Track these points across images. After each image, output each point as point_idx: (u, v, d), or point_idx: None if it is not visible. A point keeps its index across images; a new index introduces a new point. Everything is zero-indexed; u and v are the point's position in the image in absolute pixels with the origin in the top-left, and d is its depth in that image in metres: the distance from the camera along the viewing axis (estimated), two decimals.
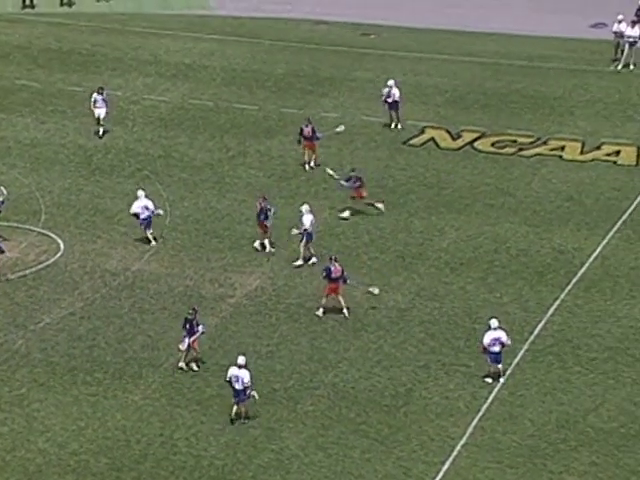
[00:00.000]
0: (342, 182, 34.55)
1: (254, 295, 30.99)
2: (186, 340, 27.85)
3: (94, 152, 38.48)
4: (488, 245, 33.45)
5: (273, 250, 32.45)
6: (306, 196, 35.90)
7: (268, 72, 44.45)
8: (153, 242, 32.80)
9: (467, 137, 39.56)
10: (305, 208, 32.06)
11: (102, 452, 25.59)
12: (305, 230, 31.80)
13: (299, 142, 37.22)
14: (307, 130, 36.98)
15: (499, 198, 35.96)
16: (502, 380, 27.46)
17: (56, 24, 48.67)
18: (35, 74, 44.09)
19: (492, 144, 39.05)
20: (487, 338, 27.38)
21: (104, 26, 48.53)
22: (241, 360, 26.26)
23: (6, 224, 33.46)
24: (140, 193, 33.05)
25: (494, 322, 27.50)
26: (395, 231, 34.14)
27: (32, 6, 49.73)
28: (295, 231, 32.05)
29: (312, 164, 37.30)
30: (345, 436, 26.12)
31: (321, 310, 30.03)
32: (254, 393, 26.22)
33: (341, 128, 37.83)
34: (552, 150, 38.72)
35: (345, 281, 30.02)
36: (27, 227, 33.91)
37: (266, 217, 32.38)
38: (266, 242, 32.56)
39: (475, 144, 39.14)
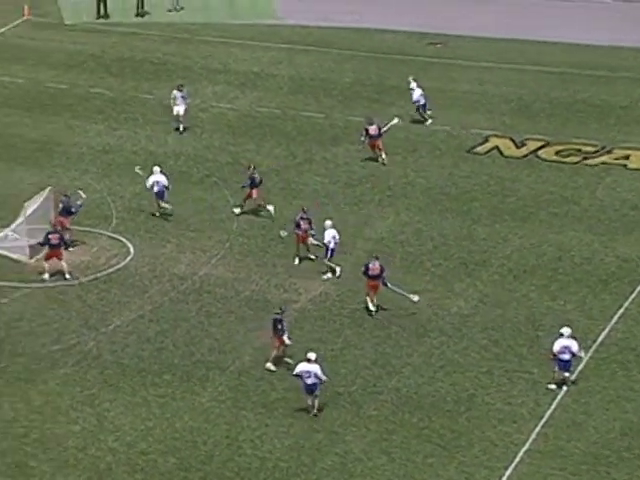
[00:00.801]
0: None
1: (319, 300, 31.07)
2: (285, 337, 27.94)
3: (164, 158, 38.81)
4: (552, 253, 33.23)
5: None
6: (370, 203, 35.96)
7: (335, 81, 44.56)
8: (167, 206, 34.22)
9: (531, 145, 39.31)
10: (327, 224, 31.94)
11: (170, 452, 25.82)
12: (325, 245, 31.68)
13: (363, 142, 37.64)
14: (373, 129, 37.30)
15: (563, 206, 35.71)
16: (565, 388, 27.25)
17: (129, 34, 49.19)
18: (108, 82, 44.61)
19: (556, 153, 38.77)
20: (557, 345, 27.16)
21: (175, 36, 48.96)
22: (311, 355, 26.49)
23: (79, 228, 33.90)
24: (156, 169, 34.63)
25: (566, 330, 27.29)
26: (458, 238, 34.04)
27: (106, 16, 50.33)
28: (284, 233, 32.44)
29: (383, 160, 37.66)
30: (408, 441, 26.10)
31: (373, 309, 30.15)
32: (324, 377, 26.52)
33: (396, 121, 37.80)
34: (617, 159, 38.35)
35: (385, 284, 30.06)
36: (98, 231, 34.32)
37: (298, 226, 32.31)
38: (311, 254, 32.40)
39: (539, 152, 38.88)
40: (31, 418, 26.75)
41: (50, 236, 31.74)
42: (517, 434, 26.17)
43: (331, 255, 31.84)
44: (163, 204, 34.61)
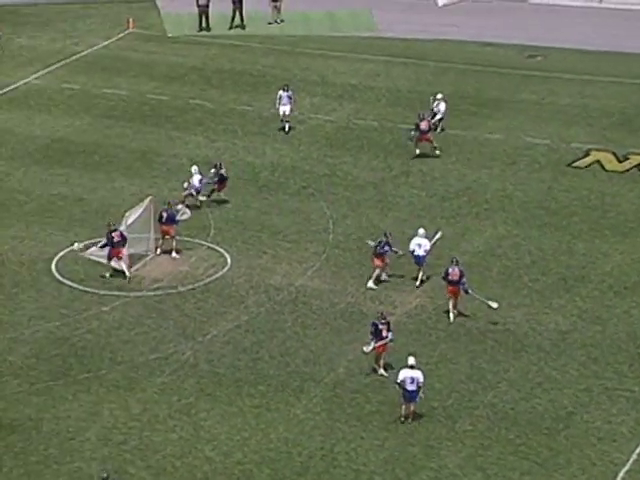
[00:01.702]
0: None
1: (414, 313, 30.89)
2: (372, 344, 27.99)
3: (261, 169, 39.04)
4: None
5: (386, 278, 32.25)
6: (467, 216, 35.68)
7: (432, 93, 44.27)
8: (203, 198, 35.57)
9: (634, 160, 38.65)
10: (419, 232, 31.92)
11: (265, 463, 25.86)
12: (411, 253, 31.65)
13: (411, 139, 38.57)
14: (424, 124, 38.34)
15: None
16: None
17: (229, 46, 49.61)
18: (208, 94, 45.03)
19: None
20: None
21: (274, 48, 49.23)
22: (412, 361, 26.52)
23: (177, 238, 34.23)
24: (194, 169, 35.86)
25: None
26: (557, 253, 33.57)
27: (208, 29, 50.84)
28: (371, 243, 32.25)
29: (437, 152, 38.70)
30: (504, 457, 25.75)
31: (452, 315, 30.23)
32: (422, 394, 26.42)
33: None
34: None
35: (466, 291, 30.02)
36: (197, 241, 34.62)
37: (385, 251, 31.99)
38: (383, 275, 32.13)
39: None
40: (130, 425, 27.03)
41: (112, 234, 32.15)
42: (617, 453, 25.68)
43: (418, 262, 31.69)
44: (201, 197, 35.82)
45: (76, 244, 33.25)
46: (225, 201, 36.31)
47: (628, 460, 25.50)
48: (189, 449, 26.24)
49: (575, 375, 28.21)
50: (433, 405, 27.39)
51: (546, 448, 25.95)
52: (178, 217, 33.90)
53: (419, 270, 31.93)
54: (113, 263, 32.45)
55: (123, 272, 32.34)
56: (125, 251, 32.47)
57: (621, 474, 25.16)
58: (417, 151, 38.95)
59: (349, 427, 26.81)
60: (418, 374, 26.50)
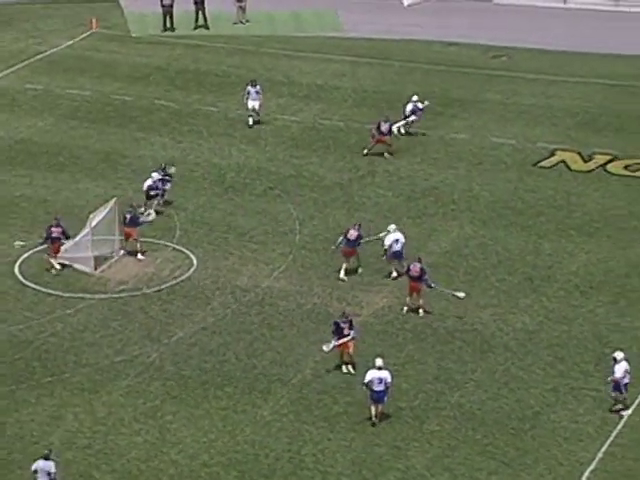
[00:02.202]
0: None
1: (381, 314, 30.91)
2: (332, 342, 28.02)
3: (227, 171, 38.95)
4: (619, 269, 32.77)
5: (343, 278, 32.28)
6: (434, 217, 35.76)
7: (398, 93, 44.38)
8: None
9: (599, 160, 38.87)
10: (392, 227, 32.19)
11: (232, 465, 25.78)
12: (389, 248, 31.85)
13: (373, 137, 38.83)
14: (385, 126, 38.68)
15: (631, 221, 35.21)
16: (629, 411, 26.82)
17: (194, 46, 49.46)
18: (173, 95, 44.87)
19: (625, 167, 38.28)
20: (620, 372, 26.54)
21: (239, 48, 49.12)
22: (380, 362, 26.55)
23: (142, 240, 34.06)
24: (154, 175, 35.44)
25: (619, 354, 26.77)
26: (523, 253, 33.70)
27: (172, 29, 50.66)
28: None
29: (387, 154, 39.02)
30: (471, 457, 25.81)
31: (405, 308, 30.51)
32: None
33: (427, 103, 39.01)
34: None
35: (429, 286, 30.19)
36: (163, 243, 34.48)
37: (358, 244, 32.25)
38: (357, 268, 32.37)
39: (607, 167, 38.43)
40: (95, 429, 26.86)
41: (52, 229, 32.33)
42: (583, 453, 25.79)
43: (394, 257, 31.75)
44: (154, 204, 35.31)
45: (17, 242, 33.11)
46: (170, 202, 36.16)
47: (594, 459, 25.61)
48: (155, 452, 26.12)
49: (542, 375, 28.32)
50: (400, 406, 27.41)
51: (513, 448, 26.03)
52: (143, 219, 33.76)
53: (397, 264, 31.92)
54: (51, 259, 32.36)
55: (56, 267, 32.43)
56: (66, 248, 32.44)
57: (587, 473, 25.28)
58: (365, 151, 39.14)
59: (316, 428, 26.79)
60: (386, 375, 26.53)
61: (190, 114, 43.23)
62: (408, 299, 30.54)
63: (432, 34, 49.80)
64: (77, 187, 37.79)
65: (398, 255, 32.04)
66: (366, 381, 26.63)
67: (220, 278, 32.65)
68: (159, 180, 35.61)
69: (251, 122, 41.36)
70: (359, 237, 32.46)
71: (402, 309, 30.66)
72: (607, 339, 29.61)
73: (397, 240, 32.06)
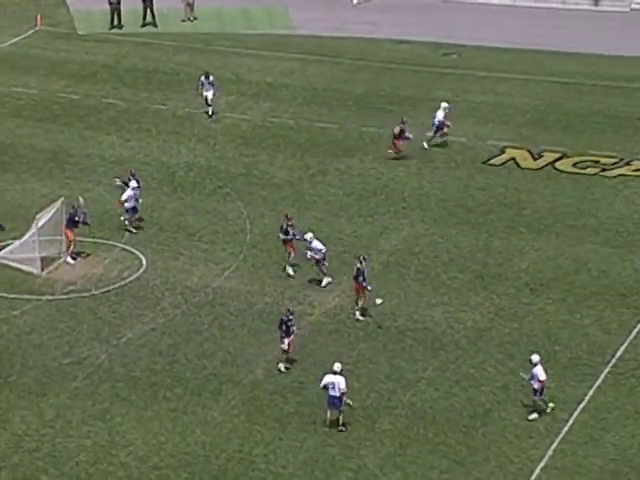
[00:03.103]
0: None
1: (333, 313, 30.98)
2: (286, 341, 28.05)
3: (176, 169, 38.85)
4: (569, 266, 33.09)
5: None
6: (385, 215, 35.89)
7: (349, 91, 44.56)
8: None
9: (548, 157, 39.21)
10: (309, 236, 31.81)
11: (182, 467, 25.74)
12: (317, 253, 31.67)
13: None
14: (397, 129, 38.22)
15: (580, 219, 35.57)
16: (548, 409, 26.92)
17: (142, 44, 49.27)
18: (121, 93, 44.68)
19: (574, 164, 38.64)
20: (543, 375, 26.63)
21: (188, 45, 49.01)
22: (337, 367, 26.52)
23: (90, 240, 33.90)
24: (133, 184, 34.46)
25: (535, 357, 26.79)
26: (474, 251, 33.93)
27: (120, 26, 50.43)
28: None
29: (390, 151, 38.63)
30: (423, 456, 25.97)
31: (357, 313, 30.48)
32: (349, 401, 26.40)
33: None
34: (635, 171, 38.20)
35: (364, 288, 30.15)
36: (111, 243, 34.32)
37: (287, 233, 32.28)
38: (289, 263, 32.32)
39: (556, 164, 38.78)
40: (42, 432, 26.71)
41: None
42: (533, 450, 26.02)
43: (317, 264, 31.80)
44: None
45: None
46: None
47: (544, 456, 25.85)
48: (104, 455, 26.03)
49: (492, 372, 28.52)
50: (352, 405, 27.46)
51: (464, 446, 26.21)
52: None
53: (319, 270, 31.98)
54: None
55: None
56: (12, 249, 32.31)
57: (537, 470, 25.51)
58: (390, 151, 38.69)
59: (267, 429, 26.81)
60: (340, 380, 26.46)
61: (139, 112, 43.07)
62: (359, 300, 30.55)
63: (383, 32, 49.97)
64: (23, 187, 37.50)
65: (319, 261, 31.86)
66: (322, 385, 26.62)
67: (170, 278, 32.57)
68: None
69: (210, 112, 41.56)
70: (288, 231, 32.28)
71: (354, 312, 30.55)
72: (557, 336, 29.89)
73: (320, 250, 31.71)
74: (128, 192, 34.45)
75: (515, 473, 25.41)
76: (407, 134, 38.27)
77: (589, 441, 26.26)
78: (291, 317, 28.54)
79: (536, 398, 26.82)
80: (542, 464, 25.62)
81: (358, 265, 30.09)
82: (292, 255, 32.46)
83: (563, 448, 26.07)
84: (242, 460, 25.92)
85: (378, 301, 30.24)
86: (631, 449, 25.97)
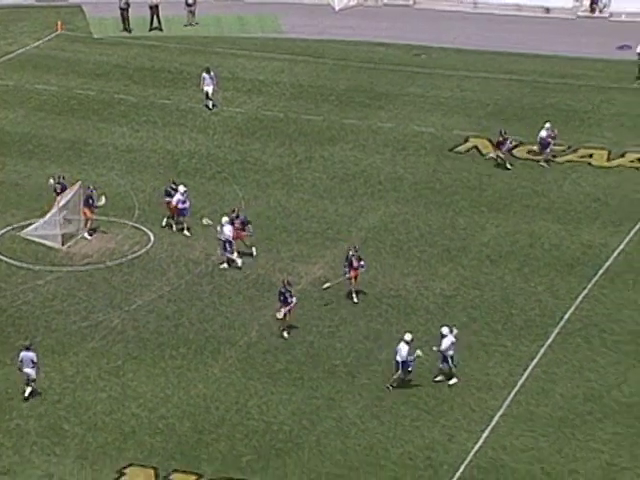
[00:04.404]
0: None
1: (318, 282, 30.95)
2: (282, 310, 27.93)
3: (180, 157, 38.70)
4: (524, 240, 33.13)
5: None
6: (363, 196, 35.83)
7: (331, 88, 44.40)
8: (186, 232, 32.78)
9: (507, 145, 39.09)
10: (224, 220, 31.43)
11: (186, 417, 25.76)
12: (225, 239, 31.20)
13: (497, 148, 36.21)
14: (500, 139, 36.22)
15: (534, 199, 35.59)
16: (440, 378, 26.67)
17: (149, 46, 48.95)
18: (131, 89, 44.40)
19: (528, 151, 38.61)
20: (447, 343, 26.31)
21: (190, 47, 48.70)
22: (407, 337, 26.05)
23: (105, 218, 33.79)
24: (181, 188, 33.06)
25: (445, 329, 26.63)
26: (442, 227, 33.93)
27: (129, 30, 50.13)
28: (207, 221, 32.30)
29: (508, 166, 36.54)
30: (397, 406, 26.03)
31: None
32: (419, 352, 26.04)
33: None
34: (582, 157, 38.22)
35: (345, 273, 29.61)
36: (123, 221, 34.20)
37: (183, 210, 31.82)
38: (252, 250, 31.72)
39: (513, 151, 38.73)
40: (64, 386, 26.70)
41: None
42: (493, 401, 26.11)
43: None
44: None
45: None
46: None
47: (502, 406, 25.95)
48: (117, 406, 26.02)
49: (458, 334, 28.52)
50: (335, 363, 27.54)
51: (433, 398, 26.27)
52: (96, 203, 33.24)
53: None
54: None
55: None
56: (36, 226, 32.07)
57: (496, 418, 25.61)
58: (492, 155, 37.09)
59: (261, 384, 26.82)
60: (402, 347, 25.83)
61: (146, 106, 42.84)
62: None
63: (361, 35, 49.75)
64: (45, 172, 37.27)
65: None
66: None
67: (175, 252, 32.47)
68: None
69: (210, 105, 41.31)
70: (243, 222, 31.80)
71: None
72: (513, 301, 29.96)
73: (230, 231, 31.24)
74: (177, 196, 32.97)
75: (477, 421, 25.51)
76: (508, 144, 36.62)
77: (541, 392, 26.36)
78: (289, 288, 28.39)
79: (442, 365, 26.35)
80: (500, 412, 25.72)
81: (351, 252, 29.52)
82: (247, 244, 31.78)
83: (518, 399, 26.17)
84: (238, 411, 25.95)
85: (325, 285, 29.81)
86: (576, 399, 26.10)
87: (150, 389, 26.62)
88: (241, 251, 31.97)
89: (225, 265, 31.46)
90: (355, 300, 29.38)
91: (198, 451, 24.76)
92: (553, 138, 37.14)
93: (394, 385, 26.35)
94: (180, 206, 33.24)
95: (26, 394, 25.93)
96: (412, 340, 26.26)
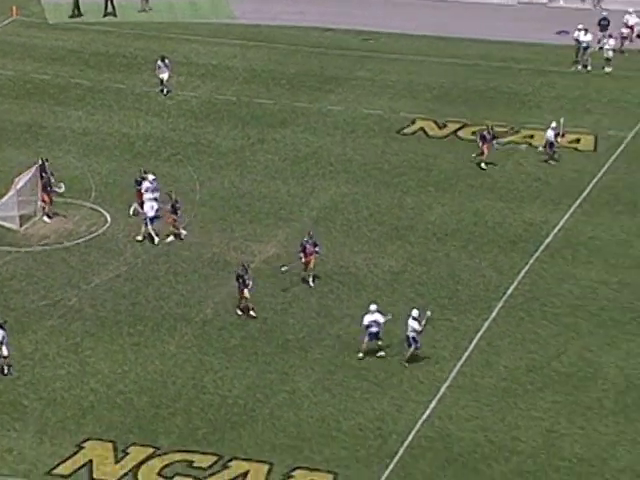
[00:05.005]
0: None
1: (271, 261, 30.92)
2: (245, 291, 27.82)
3: (136, 139, 38.36)
4: (469, 218, 33.33)
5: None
6: (314, 177, 35.79)
7: (282, 72, 44.22)
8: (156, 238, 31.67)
9: (451, 127, 39.29)
10: (146, 196, 31.42)
11: (143, 392, 25.65)
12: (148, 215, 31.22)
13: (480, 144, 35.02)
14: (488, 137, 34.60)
15: (478, 179, 35.78)
16: (382, 353, 26.61)
17: (104, 32, 48.35)
18: (86, 74, 43.86)
19: (472, 133, 38.75)
20: (366, 320, 26.46)
21: (144, 33, 48.20)
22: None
23: (62, 200, 33.41)
24: (150, 177, 32.28)
25: (373, 306, 26.67)
26: (390, 207, 34.02)
27: (77, 15, 49.61)
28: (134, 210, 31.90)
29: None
30: (348, 379, 26.12)
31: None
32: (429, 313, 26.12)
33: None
34: (523, 138, 38.47)
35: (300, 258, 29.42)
36: (80, 203, 33.86)
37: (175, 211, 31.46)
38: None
39: (458, 133, 38.91)
40: (23, 363, 26.44)
41: None
42: (440, 373, 26.29)
43: (151, 223, 31.32)
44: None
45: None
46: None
47: (448, 377, 26.13)
48: (76, 382, 25.84)
49: (405, 309, 28.52)
50: (288, 338, 27.56)
51: (382, 371, 26.38)
52: (54, 189, 32.81)
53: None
54: None
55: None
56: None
57: (443, 389, 25.80)
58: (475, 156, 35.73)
59: (216, 359, 26.77)
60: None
61: (102, 90, 42.36)
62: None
63: (311, 20, 49.55)
64: (3, 155, 36.78)
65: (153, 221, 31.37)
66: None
67: (131, 233, 32.22)
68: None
69: (165, 91, 41.04)
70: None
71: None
72: (459, 277, 30.15)
73: (152, 207, 31.28)
74: (146, 184, 31.85)
75: (424, 392, 25.68)
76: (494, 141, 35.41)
77: (485, 364, 26.60)
78: (246, 271, 28.26)
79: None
80: (446, 384, 25.91)
81: (305, 239, 29.32)
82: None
83: (464, 370, 26.38)
84: (194, 385, 25.88)
85: (284, 268, 29.65)
86: (519, 370, 26.38)
87: (108, 365, 26.46)
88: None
89: (171, 238, 31.27)
90: (311, 284, 29.18)
91: (155, 425, 24.68)
92: (557, 135, 35.82)
93: (408, 361, 26.26)
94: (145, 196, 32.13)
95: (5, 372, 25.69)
96: (419, 315, 26.23)
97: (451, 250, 31.60)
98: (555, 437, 24.34)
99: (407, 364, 26.29)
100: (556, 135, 36.27)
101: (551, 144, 36.34)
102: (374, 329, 26.38)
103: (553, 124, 36.42)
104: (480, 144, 35.77)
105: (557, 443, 24.14)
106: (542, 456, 23.75)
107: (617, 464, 23.50)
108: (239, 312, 28.28)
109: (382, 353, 26.60)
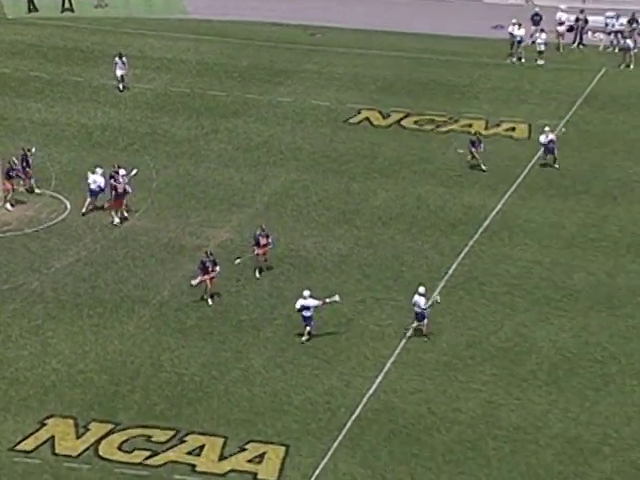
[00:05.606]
0: None
1: (225, 245, 30.86)
2: (198, 278, 27.62)
3: (94, 130, 37.99)
4: (412, 203, 33.52)
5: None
6: (266, 165, 35.75)
7: (234, 65, 44.03)
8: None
9: (395, 117, 39.45)
10: (97, 169, 31.63)
11: (103, 370, 25.51)
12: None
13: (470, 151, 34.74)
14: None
15: (421, 165, 36.00)
16: (304, 338, 26.52)
17: (61, 26, 47.76)
18: (45, 67, 43.31)
19: (415, 122, 38.99)
20: (298, 304, 26.44)
21: (101, 28, 47.70)
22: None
23: (23, 188, 33.00)
24: (122, 171, 31.88)
25: (306, 292, 26.57)
26: (338, 192, 34.09)
27: (32, 10, 48.92)
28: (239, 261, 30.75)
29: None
30: (298, 357, 26.20)
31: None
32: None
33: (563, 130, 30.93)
34: (462, 127, 38.74)
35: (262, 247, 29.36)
36: (41, 191, 33.46)
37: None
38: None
39: (402, 122, 39.08)
40: None
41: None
42: (385, 349, 26.46)
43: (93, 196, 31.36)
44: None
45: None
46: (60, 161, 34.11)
47: (393, 354, 26.31)
48: (38, 362, 25.63)
49: (353, 289, 28.82)
50: (241, 318, 27.56)
51: (331, 348, 26.50)
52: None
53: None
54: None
55: None
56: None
57: (388, 364, 25.96)
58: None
59: (173, 339, 26.70)
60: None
61: (60, 83, 41.86)
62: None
63: (262, 16, 49.37)
64: None
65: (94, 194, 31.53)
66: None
67: (90, 219, 31.96)
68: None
69: (121, 87, 40.52)
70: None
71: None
72: (403, 259, 30.32)
73: (94, 181, 31.51)
74: (119, 179, 31.38)
75: (371, 368, 25.84)
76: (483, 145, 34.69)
77: (428, 340, 26.82)
78: (211, 258, 27.94)
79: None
80: (392, 360, 26.08)
81: (257, 232, 29.10)
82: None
83: (408, 347, 26.58)
84: (152, 364, 25.80)
85: (237, 261, 29.46)
86: (459, 345, 26.64)
87: (69, 346, 26.27)
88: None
89: (116, 220, 31.07)
90: (257, 276, 28.81)
91: (115, 402, 24.57)
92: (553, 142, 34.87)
93: (427, 335, 26.28)
94: (92, 186, 32.08)
95: None
96: (426, 291, 26.27)
97: (395, 233, 31.77)
98: (493, 407, 24.65)
99: (426, 339, 26.27)
100: (550, 143, 34.58)
101: (551, 149, 34.95)
102: (306, 313, 26.31)
103: (547, 128, 35.17)
104: (470, 149, 35.13)
105: (495, 413, 24.46)
106: (481, 425, 24.05)
107: (550, 431, 23.87)
108: (210, 302, 27.96)
109: (304, 338, 26.38)
